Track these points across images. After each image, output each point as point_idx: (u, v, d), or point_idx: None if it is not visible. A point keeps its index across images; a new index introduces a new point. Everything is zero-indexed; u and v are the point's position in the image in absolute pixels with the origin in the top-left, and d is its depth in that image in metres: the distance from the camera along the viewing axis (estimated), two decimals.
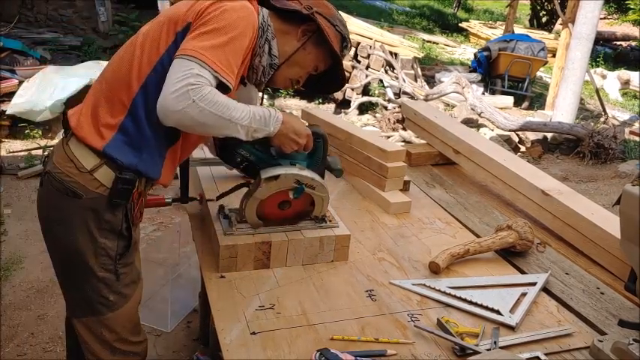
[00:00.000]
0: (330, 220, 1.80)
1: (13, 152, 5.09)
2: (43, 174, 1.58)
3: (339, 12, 1.71)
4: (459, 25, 15.69)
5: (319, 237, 1.73)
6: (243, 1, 1.49)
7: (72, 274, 1.61)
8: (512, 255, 1.91)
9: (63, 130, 1.61)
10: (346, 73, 8.08)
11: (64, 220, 1.54)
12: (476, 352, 1.35)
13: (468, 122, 6.93)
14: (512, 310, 1.58)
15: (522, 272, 1.84)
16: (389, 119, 6.74)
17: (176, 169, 1.69)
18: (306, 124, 1.66)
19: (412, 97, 7.39)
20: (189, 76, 1.35)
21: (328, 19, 1.62)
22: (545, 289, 1.74)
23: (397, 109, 6.83)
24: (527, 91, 9.30)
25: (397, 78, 7.86)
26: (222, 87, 1.42)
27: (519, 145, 6.86)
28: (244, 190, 1.74)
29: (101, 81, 1.56)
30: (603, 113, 8.39)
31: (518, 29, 13.59)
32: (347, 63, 7.83)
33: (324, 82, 1.77)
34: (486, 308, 1.58)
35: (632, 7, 15.02)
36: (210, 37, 1.40)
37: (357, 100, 7.53)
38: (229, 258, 1.64)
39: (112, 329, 1.64)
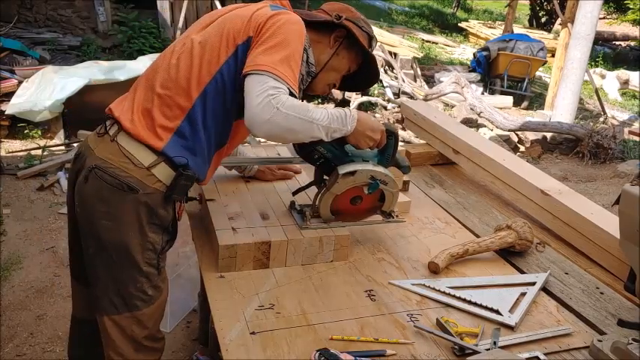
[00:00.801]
0: (397, 215, 1.87)
1: (13, 152, 5.09)
2: (88, 169, 1.59)
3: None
4: (459, 25, 15.69)
5: (319, 237, 1.72)
6: (292, 14, 1.62)
7: (115, 269, 1.62)
8: (511, 255, 1.92)
9: (103, 126, 1.66)
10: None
11: (115, 215, 1.57)
12: (475, 352, 1.35)
13: (468, 122, 6.94)
14: (511, 310, 1.58)
15: (522, 272, 1.84)
16: (388, 119, 6.74)
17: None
18: (380, 120, 1.74)
19: (411, 97, 7.40)
20: (268, 89, 1.44)
21: (355, 22, 1.75)
22: (544, 289, 1.74)
23: (396, 109, 6.84)
24: (527, 91, 9.31)
25: (396, 78, 7.87)
26: (291, 96, 1.50)
27: (519, 145, 6.87)
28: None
29: (152, 84, 1.62)
30: (602, 113, 8.39)
31: (518, 29, 13.60)
32: None
33: (358, 79, 1.90)
34: (486, 308, 1.58)
35: (631, 6, 15.03)
36: (276, 51, 1.50)
37: (356, 100, 7.53)
38: (229, 258, 1.64)
39: (144, 325, 1.68)
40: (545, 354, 1.42)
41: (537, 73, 10.31)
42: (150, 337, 1.71)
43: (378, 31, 8.79)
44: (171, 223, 1.66)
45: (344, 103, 7.67)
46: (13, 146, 5.22)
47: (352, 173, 1.70)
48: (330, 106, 7.80)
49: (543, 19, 17.00)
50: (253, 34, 1.55)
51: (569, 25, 7.90)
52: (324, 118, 1.53)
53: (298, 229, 1.74)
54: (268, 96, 1.43)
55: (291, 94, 1.49)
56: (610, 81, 11.30)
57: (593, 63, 12.46)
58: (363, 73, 1.87)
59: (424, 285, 1.68)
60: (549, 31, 15.57)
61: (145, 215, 1.58)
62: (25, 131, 5.33)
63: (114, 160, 1.57)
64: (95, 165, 1.58)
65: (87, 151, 1.64)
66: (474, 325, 1.51)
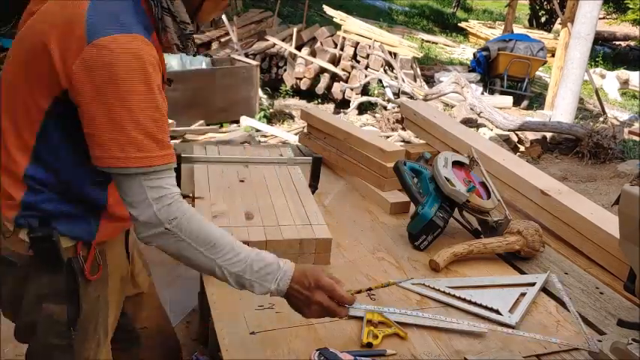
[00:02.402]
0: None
1: None
2: None
3: None
4: (458, 24, 15.69)
5: (299, 239, 1.70)
6: (120, 41, 1.10)
7: (33, 347, 1.40)
8: (511, 255, 1.91)
9: None
10: (345, 72, 8.06)
11: (11, 294, 1.34)
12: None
13: (468, 122, 6.94)
14: (511, 310, 1.58)
15: (522, 272, 1.84)
16: (388, 119, 6.75)
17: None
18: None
19: (411, 97, 7.40)
20: (148, 203, 1.14)
21: None
22: (544, 289, 1.74)
23: (396, 109, 6.84)
24: (527, 91, 9.31)
25: (396, 78, 7.87)
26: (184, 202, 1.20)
27: (518, 145, 6.86)
28: None
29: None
30: (602, 113, 8.39)
31: (518, 29, 13.60)
32: (346, 63, 7.83)
33: None
34: (486, 308, 1.58)
35: (630, 6, 15.03)
36: (118, 125, 1.10)
37: (356, 100, 7.53)
38: None
39: None
40: (545, 354, 1.42)
41: (537, 73, 10.31)
42: None
43: (378, 31, 8.79)
44: (72, 289, 1.32)
45: (344, 103, 7.67)
46: None
47: None
48: (330, 107, 7.78)
49: (543, 19, 17.00)
50: (67, 86, 1.13)
51: (569, 25, 7.90)
52: (235, 262, 1.20)
53: (279, 230, 1.73)
54: (150, 211, 1.14)
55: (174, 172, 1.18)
56: (610, 81, 11.30)
57: (593, 63, 12.46)
58: None
59: (424, 285, 1.68)
60: (549, 31, 15.58)
61: (35, 286, 1.31)
62: None
63: None
64: None
65: None
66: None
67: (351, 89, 7.65)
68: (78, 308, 1.34)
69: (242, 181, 2.07)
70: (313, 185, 2.08)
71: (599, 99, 8.55)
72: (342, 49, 8.02)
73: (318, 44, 8.23)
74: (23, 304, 1.34)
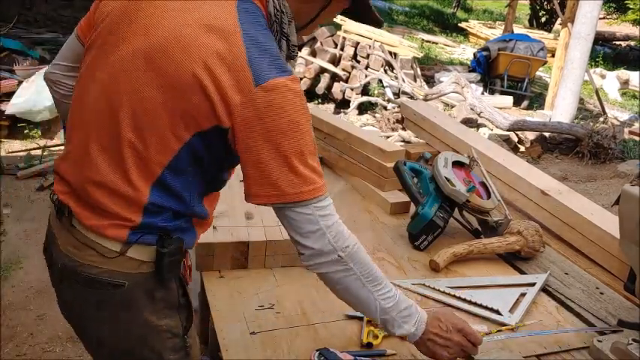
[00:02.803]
0: None
1: (12, 152, 5.08)
2: (58, 269, 1.26)
3: None
4: (459, 25, 15.69)
5: None
6: (290, 85, 1.11)
7: None
8: (512, 255, 1.91)
9: (63, 130, 1.38)
10: (345, 72, 8.05)
11: (109, 320, 1.24)
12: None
13: (468, 122, 6.93)
14: (511, 310, 1.58)
15: (522, 272, 1.84)
16: (388, 119, 6.74)
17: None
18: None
19: (411, 97, 7.39)
20: (322, 230, 1.16)
21: None
22: (544, 289, 1.74)
23: (396, 109, 6.83)
24: (527, 91, 9.30)
25: (396, 78, 7.86)
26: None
27: (518, 145, 6.86)
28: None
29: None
30: (602, 113, 8.39)
31: (518, 29, 13.60)
32: (346, 63, 7.83)
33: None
34: (486, 308, 1.58)
35: (631, 6, 15.03)
36: (286, 163, 1.11)
37: (356, 100, 7.53)
38: (206, 256, 1.65)
39: None
40: (545, 354, 1.42)
41: (537, 73, 10.31)
42: None
43: (378, 31, 8.79)
44: (180, 296, 1.30)
45: (344, 103, 7.67)
46: (13, 146, 5.21)
47: None
48: (331, 107, 7.78)
49: (543, 19, 17.00)
50: (230, 125, 1.10)
51: (569, 25, 7.90)
52: (388, 298, 1.22)
53: (279, 230, 1.70)
54: (325, 238, 1.16)
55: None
56: (610, 81, 11.30)
57: (593, 63, 12.46)
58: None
59: (424, 285, 1.68)
60: (549, 31, 15.58)
61: (147, 305, 1.23)
62: (25, 131, 5.32)
63: (78, 255, 1.20)
64: (63, 265, 1.23)
65: (52, 238, 1.28)
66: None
67: (351, 89, 7.64)
68: (189, 316, 1.32)
69: (242, 181, 2.05)
70: None
71: (599, 99, 8.55)
72: (342, 49, 8.01)
73: (318, 44, 8.22)
74: (122, 330, 1.24)
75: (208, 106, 1.09)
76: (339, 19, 8.83)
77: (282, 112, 1.09)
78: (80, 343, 2.73)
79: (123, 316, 1.23)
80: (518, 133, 6.87)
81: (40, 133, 5.38)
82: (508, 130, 6.74)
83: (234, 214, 1.80)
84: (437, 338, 1.25)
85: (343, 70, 7.81)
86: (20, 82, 5.57)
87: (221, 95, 1.08)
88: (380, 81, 7.84)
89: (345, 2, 1.32)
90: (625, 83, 11.35)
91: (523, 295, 1.67)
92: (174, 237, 1.21)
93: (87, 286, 1.20)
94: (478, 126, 7.11)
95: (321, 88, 7.71)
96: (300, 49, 8.04)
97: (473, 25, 15.23)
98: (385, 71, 7.95)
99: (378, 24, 1.48)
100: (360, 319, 1.47)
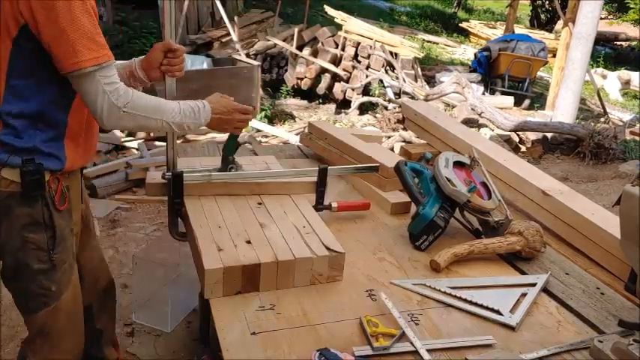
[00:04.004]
0: None
1: None
2: None
3: None
4: (460, 25, 15.69)
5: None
6: None
7: (14, 275, 1.64)
8: (512, 256, 1.91)
9: None
10: (346, 73, 8.04)
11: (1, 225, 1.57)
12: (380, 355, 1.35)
13: (469, 122, 6.93)
14: (512, 310, 1.58)
15: (522, 273, 1.84)
16: (389, 119, 6.74)
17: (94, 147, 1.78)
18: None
19: (412, 97, 7.39)
20: (102, 90, 1.48)
21: None
22: (545, 290, 1.74)
23: (397, 109, 6.83)
24: (528, 91, 9.29)
25: (397, 78, 7.86)
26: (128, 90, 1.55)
27: (519, 145, 6.86)
28: None
29: None
30: (604, 113, 8.39)
31: (519, 29, 13.59)
32: (347, 63, 7.83)
33: None
34: (487, 308, 1.58)
35: (632, 6, 15.01)
36: (73, 31, 1.42)
37: (357, 100, 7.53)
38: (215, 284, 1.54)
39: (55, 320, 1.69)
40: (545, 354, 1.42)
41: (538, 74, 10.30)
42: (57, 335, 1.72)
43: (379, 32, 8.79)
44: (47, 217, 1.59)
45: (344, 103, 7.67)
46: None
47: None
48: (331, 107, 7.79)
49: (544, 20, 16.99)
50: (26, 20, 1.43)
51: (570, 25, 7.89)
52: (175, 115, 1.62)
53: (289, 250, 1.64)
54: (107, 97, 1.48)
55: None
56: (611, 81, 11.29)
57: (594, 63, 12.45)
58: None
59: (425, 285, 1.68)
60: (550, 31, 15.57)
61: (17, 219, 1.56)
62: None
63: None
64: None
65: None
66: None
67: (352, 89, 7.64)
68: (54, 235, 1.60)
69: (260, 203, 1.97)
70: (320, 190, 2.06)
71: (600, 99, 8.55)
72: (343, 49, 8.01)
73: (320, 44, 8.22)
74: (5, 238, 1.57)
75: (13, 9, 1.42)
76: (340, 19, 8.84)
77: None
78: None
79: (5, 223, 1.56)
80: (519, 133, 6.86)
81: None
82: (509, 131, 6.73)
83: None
84: (222, 116, 1.75)
85: (344, 70, 7.81)
86: None
87: None
88: (381, 81, 7.83)
89: None
90: (626, 83, 11.34)
91: (524, 295, 1.67)
92: (36, 161, 1.52)
93: None
94: (479, 126, 7.11)
95: (322, 88, 7.72)
96: (300, 50, 8.05)
97: (474, 25, 15.23)
98: (386, 71, 7.95)
99: None
100: (360, 319, 1.47)
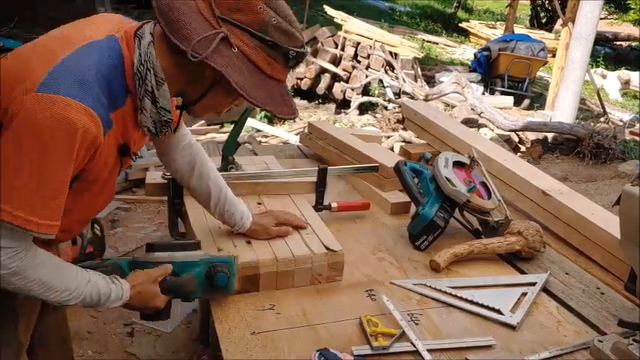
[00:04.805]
0: None
1: None
2: None
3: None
4: (459, 25, 15.69)
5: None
6: (65, 105, 1.05)
7: None
8: (512, 255, 1.91)
9: None
10: (346, 73, 8.03)
11: None
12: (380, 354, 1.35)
13: (468, 122, 6.93)
14: (512, 310, 1.58)
15: (522, 272, 1.84)
16: (389, 119, 6.74)
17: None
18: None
19: (412, 97, 7.39)
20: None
21: (253, 32, 1.18)
22: (545, 289, 1.74)
23: (397, 109, 6.83)
24: (527, 91, 9.30)
25: (397, 78, 7.86)
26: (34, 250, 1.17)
27: (519, 145, 6.86)
28: None
29: None
30: (603, 113, 8.39)
31: (519, 29, 13.61)
32: (347, 63, 7.83)
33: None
34: (487, 308, 1.58)
35: (632, 6, 15.02)
36: (13, 175, 1.06)
37: (357, 100, 7.53)
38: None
39: None
40: (545, 354, 1.42)
41: (538, 74, 10.30)
42: None
43: (379, 31, 8.79)
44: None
45: (344, 103, 7.67)
46: None
47: None
48: (331, 107, 7.77)
49: (544, 20, 17.00)
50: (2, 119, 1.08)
51: (569, 25, 7.90)
52: (71, 298, 1.22)
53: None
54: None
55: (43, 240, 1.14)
56: (611, 81, 11.30)
57: (594, 63, 12.46)
58: None
59: (425, 285, 1.68)
60: (550, 31, 15.58)
61: None
62: None
63: None
64: None
65: None
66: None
67: (352, 89, 7.65)
68: (17, 351, 1.31)
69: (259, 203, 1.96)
70: (319, 190, 2.06)
71: (600, 99, 8.55)
72: (342, 49, 8.02)
73: (319, 44, 8.23)
74: None
75: None
76: (339, 19, 8.83)
77: (38, 129, 1.04)
78: (81, 343, 2.74)
79: None
80: (519, 133, 6.86)
81: None
82: (509, 131, 6.74)
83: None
84: (141, 295, 1.34)
85: (344, 70, 7.81)
86: None
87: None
88: (380, 81, 7.84)
89: (233, 94, 1.22)
90: (626, 83, 11.35)
91: (524, 294, 1.67)
92: None
93: None
94: (479, 126, 7.11)
95: (321, 88, 7.72)
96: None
97: (474, 25, 15.25)
98: (386, 71, 7.95)
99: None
100: (360, 319, 1.47)
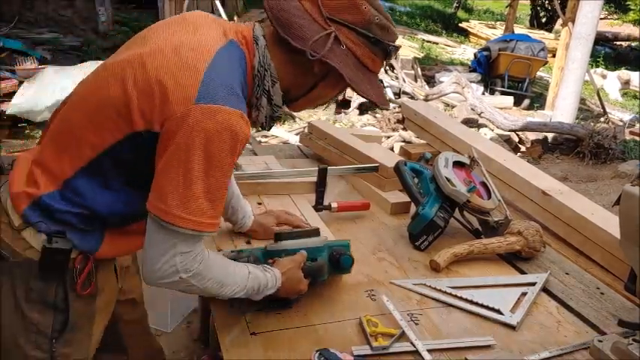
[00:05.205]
0: None
1: (13, 152, 5.09)
2: None
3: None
4: (459, 25, 15.69)
5: None
6: (227, 113, 1.14)
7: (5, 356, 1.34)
8: (512, 255, 1.91)
9: None
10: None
11: None
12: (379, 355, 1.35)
13: (468, 122, 6.93)
14: (512, 310, 1.58)
15: (522, 272, 1.84)
16: (389, 119, 6.74)
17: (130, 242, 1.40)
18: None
19: (412, 97, 7.40)
20: (174, 255, 1.17)
21: (360, 30, 1.27)
22: (545, 289, 1.74)
23: (397, 109, 6.83)
24: (527, 91, 9.31)
25: (397, 78, 7.87)
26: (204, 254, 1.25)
27: (519, 145, 6.86)
28: None
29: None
30: (603, 113, 8.39)
31: (519, 29, 13.61)
32: None
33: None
34: (487, 308, 1.58)
35: (632, 7, 15.02)
36: (185, 183, 1.14)
37: (357, 100, 7.53)
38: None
39: None
40: (545, 354, 1.42)
41: (538, 74, 10.31)
42: None
43: None
44: (61, 298, 1.29)
45: (344, 103, 7.67)
46: (14, 146, 5.22)
47: None
48: (332, 106, 7.78)
49: (544, 20, 17.00)
50: (159, 129, 1.15)
51: (569, 25, 7.90)
52: (239, 291, 1.31)
53: None
54: (173, 265, 1.17)
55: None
56: (611, 81, 11.30)
57: (594, 63, 12.46)
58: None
59: (425, 285, 1.68)
60: (550, 31, 15.58)
61: (22, 291, 1.27)
62: (26, 131, 5.34)
63: None
64: None
65: None
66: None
67: None
68: (65, 321, 1.31)
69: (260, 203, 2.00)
70: (319, 191, 2.06)
71: (600, 99, 8.55)
72: None
73: None
74: (3, 306, 1.29)
75: (130, 111, 1.17)
76: None
77: (209, 137, 1.12)
78: None
79: (7, 289, 1.28)
80: (519, 133, 6.87)
81: (40, 133, 5.40)
82: (509, 131, 6.74)
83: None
84: (290, 281, 1.42)
85: None
86: (21, 82, 5.59)
87: (162, 102, 1.14)
88: (380, 81, 7.82)
89: (341, 83, 1.31)
90: (626, 83, 11.36)
91: (524, 294, 1.67)
92: (67, 237, 1.25)
93: None
94: (479, 126, 7.11)
95: None
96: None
97: (474, 25, 15.25)
98: (386, 71, 7.96)
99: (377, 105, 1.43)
100: (360, 319, 1.47)
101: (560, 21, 9.84)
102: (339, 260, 1.54)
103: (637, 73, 11.48)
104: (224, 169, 1.16)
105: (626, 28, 17.09)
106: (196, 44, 1.20)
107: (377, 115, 7.39)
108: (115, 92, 1.19)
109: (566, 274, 1.85)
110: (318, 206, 2.03)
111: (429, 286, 1.67)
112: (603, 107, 8.50)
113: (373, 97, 1.33)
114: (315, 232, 1.57)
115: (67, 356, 1.34)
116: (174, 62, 1.16)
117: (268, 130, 1.41)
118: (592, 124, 7.82)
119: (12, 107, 5.24)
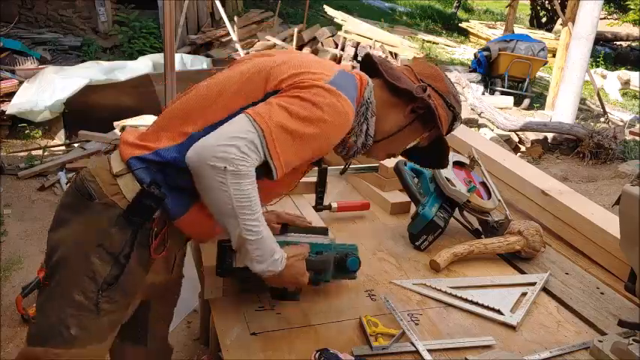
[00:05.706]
0: None
1: (13, 152, 5.09)
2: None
3: (452, 83, 1.60)
4: (460, 25, 15.69)
5: None
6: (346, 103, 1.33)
7: (48, 289, 1.37)
8: (512, 255, 1.91)
9: (63, 130, 1.55)
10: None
11: (68, 223, 1.35)
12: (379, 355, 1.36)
13: (468, 122, 6.93)
14: (512, 310, 1.58)
15: (522, 272, 1.84)
16: None
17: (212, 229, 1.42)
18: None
19: None
20: (241, 145, 1.21)
21: (442, 95, 1.52)
22: (545, 289, 1.74)
23: None
24: (527, 92, 9.30)
25: None
26: (265, 170, 1.26)
27: (519, 145, 6.86)
28: None
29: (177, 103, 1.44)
30: (603, 113, 8.39)
31: (519, 29, 13.60)
32: (347, 63, 7.83)
33: (424, 156, 1.64)
34: (487, 308, 1.58)
35: (631, 7, 15.02)
36: (290, 119, 1.26)
37: None
38: (215, 284, 1.56)
39: None
40: (546, 354, 1.42)
41: (538, 74, 10.30)
42: None
43: (379, 32, 8.79)
44: (125, 254, 1.33)
45: None
46: (14, 146, 5.22)
47: None
48: None
49: (544, 20, 17.00)
50: (285, 86, 1.33)
51: (569, 25, 7.89)
52: (252, 234, 1.25)
53: None
54: (233, 153, 1.20)
55: (267, 167, 1.25)
56: (611, 81, 11.29)
57: (594, 63, 12.45)
58: (432, 151, 1.61)
59: (425, 285, 1.68)
60: (550, 31, 15.57)
61: (94, 233, 1.32)
62: (26, 131, 5.33)
63: (94, 167, 1.38)
64: (77, 171, 1.41)
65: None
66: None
67: None
68: (118, 276, 1.34)
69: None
70: (320, 190, 2.06)
71: (600, 99, 8.55)
72: (342, 49, 8.03)
73: (319, 44, 8.24)
74: (73, 239, 1.34)
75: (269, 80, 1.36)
76: (340, 19, 8.84)
77: (322, 101, 1.29)
78: None
79: (86, 227, 1.33)
80: (519, 133, 6.87)
81: (40, 133, 5.39)
82: (509, 131, 6.74)
83: None
84: (292, 269, 1.37)
85: None
86: (21, 83, 5.59)
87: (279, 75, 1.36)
88: None
89: (428, 133, 1.54)
90: (626, 83, 11.35)
91: (524, 294, 1.67)
92: (162, 189, 1.32)
93: (76, 189, 1.37)
94: (479, 126, 7.11)
95: None
96: (300, 50, 8.05)
97: (474, 25, 15.24)
98: None
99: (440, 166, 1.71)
100: (360, 319, 1.47)
101: (560, 21, 9.84)
102: (345, 261, 1.51)
103: (637, 73, 11.47)
104: (325, 133, 1.32)
105: (626, 28, 17.09)
106: (318, 61, 1.43)
107: None
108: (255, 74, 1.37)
109: (566, 274, 1.85)
110: (318, 206, 2.03)
111: (429, 286, 1.67)
112: (603, 107, 8.50)
113: (446, 150, 1.60)
114: (323, 231, 1.56)
115: (105, 312, 1.35)
116: (314, 65, 1.40)
117: (352, 157, 1.52)
118: (592, 124, 7.82)
119: (12, 107, 5.23)
